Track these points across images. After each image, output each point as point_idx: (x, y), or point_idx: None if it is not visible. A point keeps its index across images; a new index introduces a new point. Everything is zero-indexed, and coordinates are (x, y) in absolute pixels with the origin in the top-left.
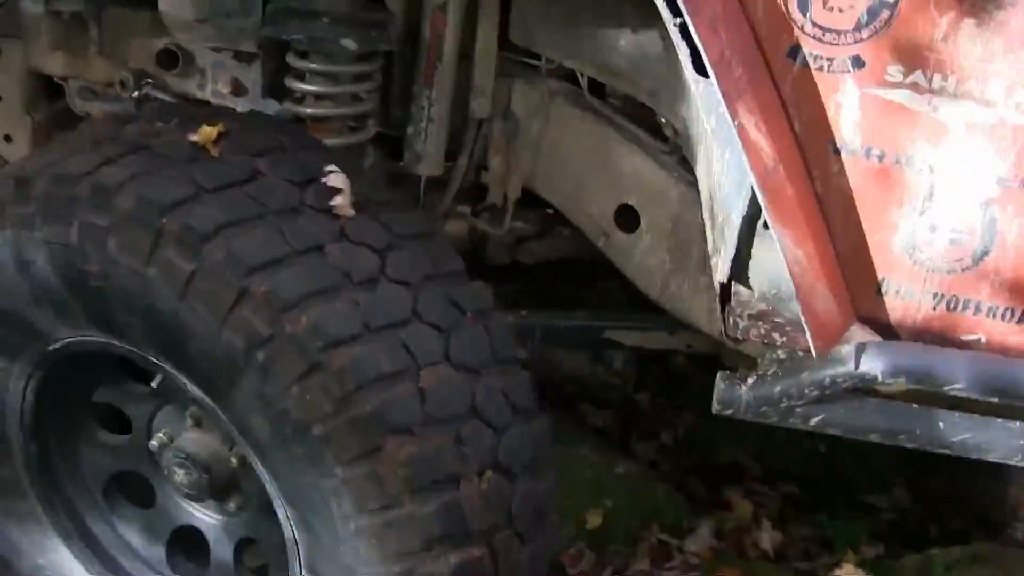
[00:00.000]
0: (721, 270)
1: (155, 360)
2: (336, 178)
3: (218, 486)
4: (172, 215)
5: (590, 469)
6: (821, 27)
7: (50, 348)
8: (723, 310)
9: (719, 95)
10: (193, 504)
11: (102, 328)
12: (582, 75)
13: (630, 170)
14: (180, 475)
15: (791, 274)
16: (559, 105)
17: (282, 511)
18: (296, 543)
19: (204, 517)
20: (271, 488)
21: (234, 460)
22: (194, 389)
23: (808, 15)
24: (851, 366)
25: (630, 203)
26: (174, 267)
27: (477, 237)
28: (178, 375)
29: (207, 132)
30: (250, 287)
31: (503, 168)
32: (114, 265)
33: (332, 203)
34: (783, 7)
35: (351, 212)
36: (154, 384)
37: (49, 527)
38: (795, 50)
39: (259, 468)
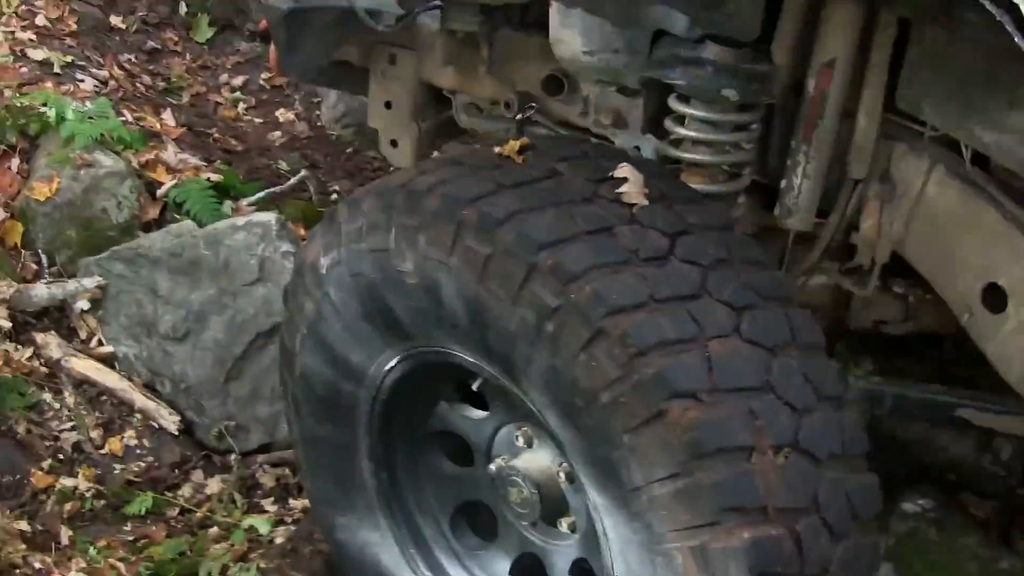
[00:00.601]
0: None
1: (471, 358)
2: (625, 170)
3: (549, 504)
4: (471, 207)
5: (974, 561)
6: None
7: (386, 368)
8: None
9: None
10: (531, 531)
11: (422, 332)
12: (966, 146)
13: (1004, 249)
14: (514, 494)
15: None
16: (939, 174)
17: (586, 497)
18: (603, 527)
19: (541, 543)
20: (574, 463)
21: (562, 475)
22: (505, 381)
23: None
24: None
25: (999, 283)
26: (473, 252)
27: (841, 298)
28: (486, 366)
29: (512, 144)
30: (538, 262)
31: (874, 230)
32: (424, 260)
33: (620, 190)
34: None
35: (643, 200)
36: (474, 386)
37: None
38: None
39: (563, 447)
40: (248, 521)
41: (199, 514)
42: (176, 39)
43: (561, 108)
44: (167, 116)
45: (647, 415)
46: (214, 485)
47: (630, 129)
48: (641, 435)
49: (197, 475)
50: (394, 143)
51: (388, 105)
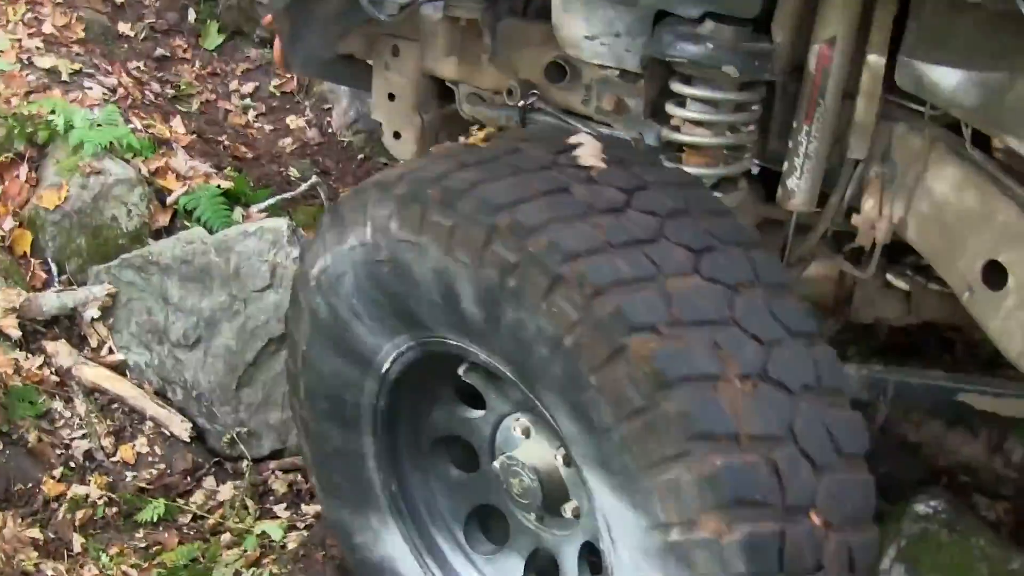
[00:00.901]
0: None
1: (454, 338)
2: (581, 137)
3: (550, 489)
4: (436, 185)
5: (985, 562)
6: None
7: (384, 369)
8: None
9: None
10: (539, 525)
11: (403, 321)
12: (966, 125)
13: (1003, 226)
14: (516, 485)
15: None
16: (939, 153)
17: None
18: (588, 481)
19: (550, 536)
20: (551, 414)
21: (559, 458)
22: (481, 351)
23: None
24: None
25: (999, 260)
26: (438, 226)
27: (843, 288)
28: (465, 341)
29: (478, 135)
30: (497, 223)
31: (875, 211)
32: (396, 244)
33: (576, 154)
34: None
35: (600, 164)
36: (460, 372)
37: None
38: None
39: (539, 405)
40: (260, 527)
41: (211, 520)
42: (185, 46)
43: (563, 95)
44: (176, 123)
45: (609, 352)
46: (226, 491)
47: (632, 115)
48: (606, 373)
49: (209, 482)
50: (397, 135)
51: (391, 97)
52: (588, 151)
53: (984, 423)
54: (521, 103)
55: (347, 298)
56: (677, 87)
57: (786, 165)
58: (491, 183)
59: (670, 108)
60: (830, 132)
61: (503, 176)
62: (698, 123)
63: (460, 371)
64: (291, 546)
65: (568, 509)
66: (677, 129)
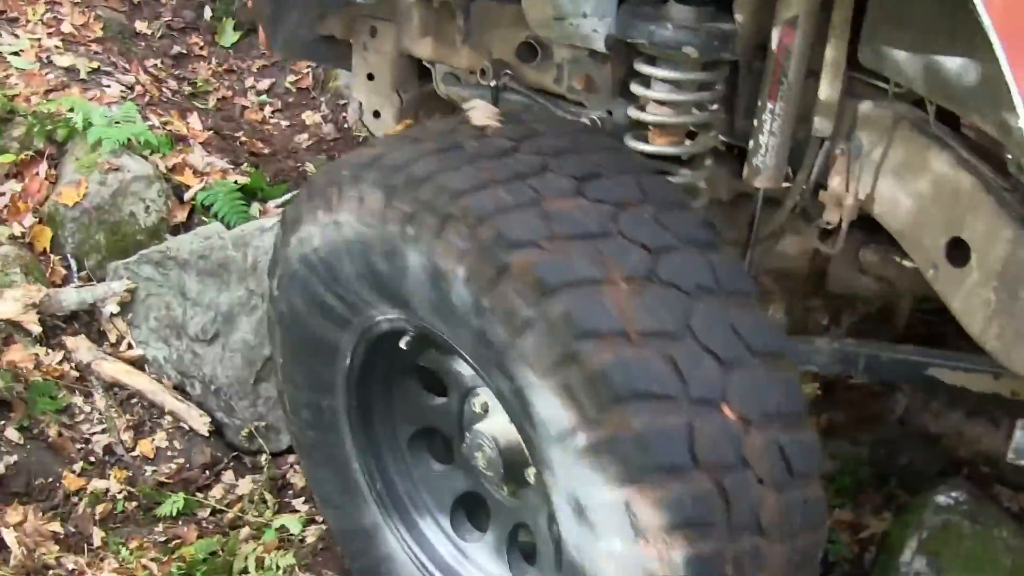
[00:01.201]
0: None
1: (399, 314)
2: (475, 102)
3: (509, 457)
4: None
5: (1007, 554)
6: None
7: (346, 363)
8: None
9: None
10: (512, 500)
11: (356, 305)
12: (930, 102)
13: (968, 204)
14: (481, 460)
15: None
16: (905, 131)
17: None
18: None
19: (523, 507)
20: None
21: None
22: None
23: None
24: None
25: (963, 237)
26: (352, 198)
27: (817, 262)
28: (393, 310)
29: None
30: (395, 184)
31: (841, 188)
32: (325, 228)
33: (468, 114)
34: None
35: (493, 124)
36: (403, 345)
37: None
38: None
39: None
40: (279, 521)
41: (230, 514)
42: (201, 43)
43: (535, 75)
44: (193, 120)
45: (495, 272)
46: (245, 485)
47: (601, 94)
48: (495, 293)
49: (228, 476)
50: (377, 114)
51: (370, 77)
52: (481, 114)
53: (957, 399)
54: (494, 83)
55: (301, 293)
56: (641, 67)
57: (752, 143)
58: (394, 151)
59: (635, 88)
60: (795, 110)
61: (405, 144)
62: (662, 103)
63: (403, 344)
64: (310, 540)
65: (531, 474)
66: (643, 108)
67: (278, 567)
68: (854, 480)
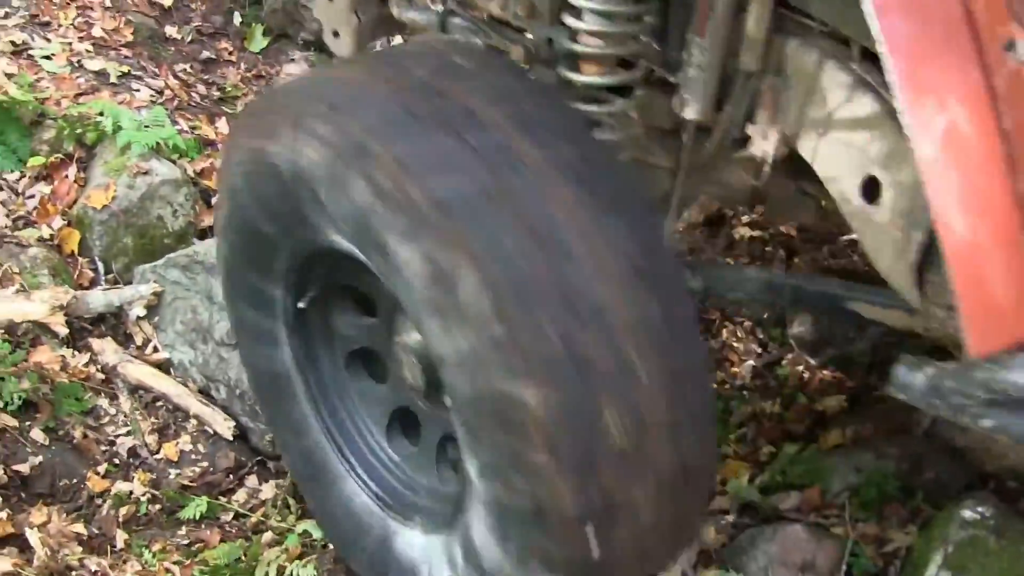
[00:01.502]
0: (915, 257)
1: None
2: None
3: (428, 367)
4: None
5: None
6: None
7: (290, 307)
8: (923, 298)
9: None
10: (441, 411)
11: (282, 238)
12: (854, 42)
13: (883, 142)
14: (407, 373)
15: (951, 265)
16: (830, 69)
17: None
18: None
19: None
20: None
21: None
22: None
23: None
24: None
25: (876, 175)
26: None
27: (759, 192)
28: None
29: None
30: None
31: (768, 123)
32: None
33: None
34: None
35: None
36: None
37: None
38: (1012, 44)
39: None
40: (302, 526)
41: (253, 519)
42: (231, 49)
43: (483, 1)
44: (222, 125)
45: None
46: (268, 490)
47: (544, 20)
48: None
49: (251, 480)
50: (336, 34)
51: None
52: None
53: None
54: (441, 8)
55: (234, 242)
56: None
57: (681, 76)
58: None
59: (567, 19)
60: (722, 44)
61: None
62: (592, 33)
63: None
64: (331, 546)
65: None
66: (574, 39)
67: None
68: (879, 493)
